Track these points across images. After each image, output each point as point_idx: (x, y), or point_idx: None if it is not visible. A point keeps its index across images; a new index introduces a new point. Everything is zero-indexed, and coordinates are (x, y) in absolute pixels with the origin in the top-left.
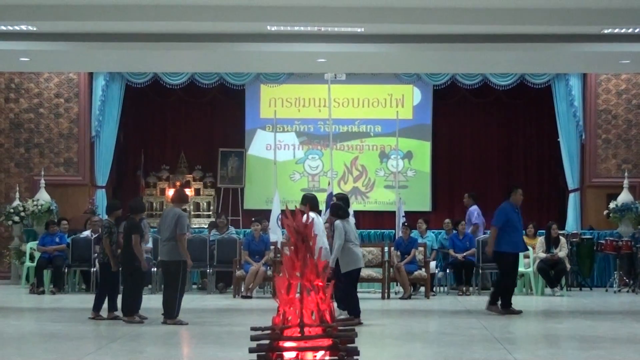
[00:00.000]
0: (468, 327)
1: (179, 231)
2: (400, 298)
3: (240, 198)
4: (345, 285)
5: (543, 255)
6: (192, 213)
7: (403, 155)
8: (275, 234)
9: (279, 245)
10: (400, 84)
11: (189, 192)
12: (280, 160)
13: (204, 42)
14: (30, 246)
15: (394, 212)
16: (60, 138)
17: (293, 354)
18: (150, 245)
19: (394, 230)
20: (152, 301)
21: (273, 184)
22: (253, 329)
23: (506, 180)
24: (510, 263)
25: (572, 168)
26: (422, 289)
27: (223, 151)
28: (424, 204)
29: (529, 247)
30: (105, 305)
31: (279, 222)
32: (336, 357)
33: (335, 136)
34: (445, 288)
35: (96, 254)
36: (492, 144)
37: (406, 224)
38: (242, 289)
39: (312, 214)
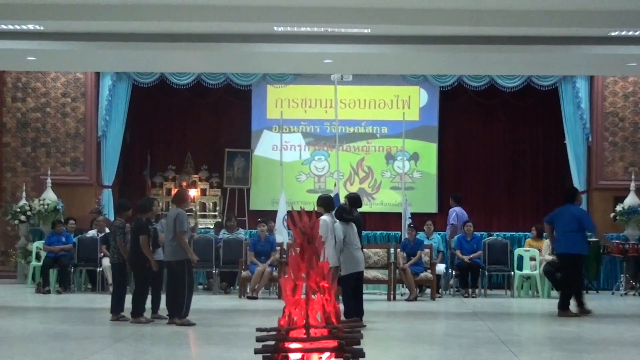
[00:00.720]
0: (474, 330)
1: (178, 229)
2: (406, 300)
3: (247, 199)
4: (342, 290)
5: (549, 257)
6: (199, 213)
7: (409, 156)
8: (281, 235)
9: (284, 246)
10: (406, 85)
11: (194, 192)
12: (287, 161)
13: (210, 43)
14: (36, 245)
15: (400, 214)
16: (67, 137)
17: (299, 355)
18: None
19: (399, 232)
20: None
21: (279, 185)
22: (259, 329)
23: (512, 182)
24: (581, 265)
25: (579, 170)
26: (428, 290)
27: (229, 151)
28: (430, 206)
29: (536, 250)
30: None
31: (285, 223)
32: (342, 359)
33: (341, 137)
34: (451, 290)
35: (102, 254)
36: (498, 146)
37: (411, 225)
38: (248, 289)
39: (326, 216)
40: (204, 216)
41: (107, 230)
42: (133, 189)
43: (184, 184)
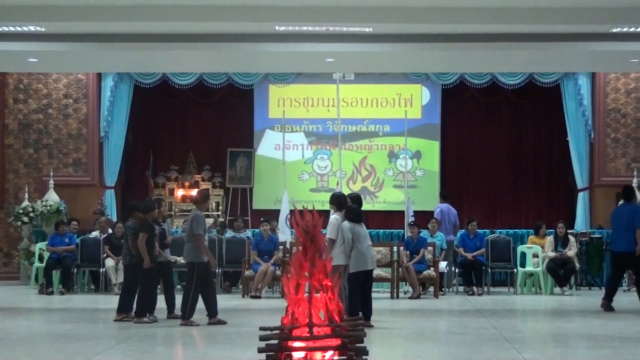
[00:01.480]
0: (477, 327)
1: (195, 231)
2: (410, 298)
3: (249, 198)
4: (350, 287)
5: (552, 254)
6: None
7: (412, 154)
8: (284, 234)
9: (287, 245)
10: (408, 83)
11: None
12: (289, 160)
13: (212, 43)
14: (39, 247)
15: (402, 212)
16: (69, 139)
17: (302, 354)
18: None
19: (402, 230)
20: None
21: (282, 184)
22: (262, 329)
23: (515, 179)
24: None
25: (581, 167)
26: (431, 288)
27: (232, 151)
28: (433, 204)
29: (539, 247)
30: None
31: (288, 222)
32: (345, 357)
33: (343, 136)
34: (455, 288)
35: (105, 255)
36: (500, 144)
37: (412, 223)
38: (251, 289)
39: (337, 215)
40: (207, 216)
41: (109, 231)
42: (136, 190)
43: (187, 184)
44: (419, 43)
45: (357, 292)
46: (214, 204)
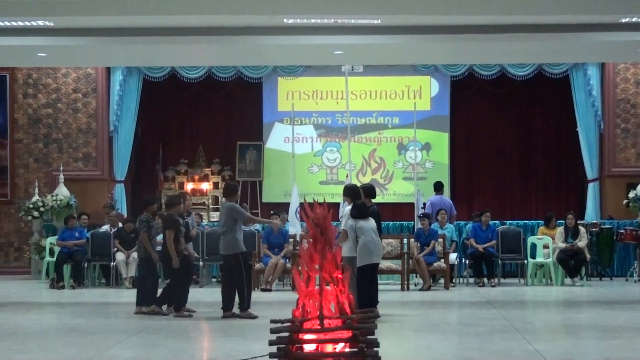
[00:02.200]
0: (488, 318)
1: (241, 217)
2: (420, 289)
3: (259, 191)
4: (357, 281)
5: (562, 245)
6: (211, 206)
7: (421, 146)
8: (294, 227)
9: (297, 238)
10: (417, 75)
11: (207, 185)
12: (299, 153)
13: (221, 36)
14: (49, 241)
15: (412, 204)
16: (79, 133)
17: (313, 346)
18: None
19: (412, 222)
20: (199, 295)
21: (291, 177)
22: (273, 321)
23: (525, 170)
24: None
25: (591, 158)
26: (442, 280)
27: (241, 144)
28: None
29: (549, 238)
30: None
31: (298, 215)
32: (356, 349)
33: (353, 128)
34: (465, 279)
35: (115, 249)
36: (510, 135)
37: (422, 215)
38: (262, 281)
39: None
40: (217, 209)
41: (120, 225)
42: (145, 184)
43: (197, 177)
44: (427, 35)
45: (367, 286)
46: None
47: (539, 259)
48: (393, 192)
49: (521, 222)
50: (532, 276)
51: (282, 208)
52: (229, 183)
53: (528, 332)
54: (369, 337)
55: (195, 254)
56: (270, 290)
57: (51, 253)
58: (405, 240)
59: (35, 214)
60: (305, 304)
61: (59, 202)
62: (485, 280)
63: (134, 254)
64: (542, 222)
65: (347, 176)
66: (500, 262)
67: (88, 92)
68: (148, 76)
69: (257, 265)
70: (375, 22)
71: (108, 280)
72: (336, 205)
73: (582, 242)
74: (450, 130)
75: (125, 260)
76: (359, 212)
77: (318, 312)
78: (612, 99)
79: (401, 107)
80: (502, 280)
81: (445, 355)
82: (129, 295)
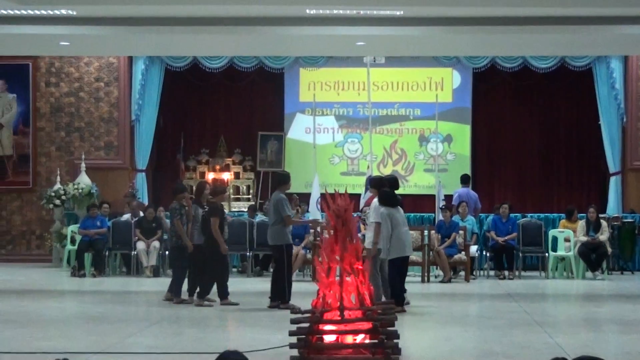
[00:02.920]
0: (508, 311)
1: (283, 213)
2: (440, 282)
3: None
4: (389, 273)
5: (584, 238)
6: (232, 196)
7: (442, 138)
8: (315, 218)
9: (318, 229)
10: (439, 67)
11: (228, 175)
12: (320, 144)
13: (243, 26)
14: (71, 229)
15: (433, 196)
16: (101, 122)
17: (333, 337)
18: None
19: (433, 214)
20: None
21: (312, 168)
22: (293, 312)
23: (547, 163)
24: None
25: (614, 151)
26: (462, 272)
27: (262, 135)
28: None
29: (570, 231)
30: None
31: (319, 206)
32: (376, 340)
33: (374, 119)
34: (486, 272)
35: (136, 238)
36: (532, 127)
37: (444, 207)
38: None
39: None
40: (238, 199)
41: (141, 214)
42: (167, 173)
43: (217, 167)
44: (450, 26)
45: (398, 278)
46: (244, 187)
47: (560, 252)
48: (414, 183)
49: (542, 215)
50: (553, 269)
51: (302, 199)
52: (279, 172)
53: (548, 325)
54: (389, 328)
55: None
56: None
57: (72, 241)
58: (426, 232)
59: (57, 202)
60: (325, 294)
61: (80, 190)
62: (506, 273)
63: (155, 243)
64: (563, 215)
65: (368, 167)
66: (521, 254)
67: (110, 81)
68: (170, 66)
69: None
70: (398, 13)
71: (129, 269)
72: (357, 197)
73: (603, 235)
74: (472, 122)
75: (146, 249)
76: (390, 200)
77: (338, 303)
78: (635, 92)
79: (423, 98)
80: (523, 273)
81: (465, 347)
82: (150, 284)
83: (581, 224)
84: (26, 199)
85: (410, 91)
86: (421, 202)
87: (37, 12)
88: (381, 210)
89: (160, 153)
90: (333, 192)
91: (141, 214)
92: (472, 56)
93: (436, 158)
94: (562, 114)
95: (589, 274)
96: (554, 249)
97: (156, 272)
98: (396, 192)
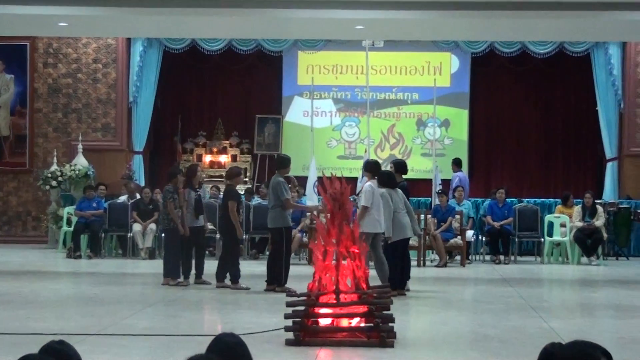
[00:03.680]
0: (504, 296)
1: (282, 196)
2: (436, 266)
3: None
4: (390, 256)
5: (580, 224)
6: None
7: (440, 123)
8: (312, 201)
9: (315, 212)
10: (438, 51)
11: (225, 158)
12: (317, 127)
13: (242, 8)
14: (67, 211)
15: (430, 180)
16: (98, 103)
17: (328, 320)
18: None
19: (430, 199)
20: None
21: (310, 151)
22: (289, 295)
23: (544, 148)
24: None
25: (610, 137)
26: (458, 257)
27: (260, 117)
28: None
29: (566, 216)
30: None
31: (316, 189)
32: (371, 324)
33: (372, 103)
34: (482, 256)
35: (132, 220)
36: (530, 113)
37: (440, 191)
38: None
39: (371, 182)
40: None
41: (137, 196)
42: (164, 155)
43: (215, 150)
44: (449, 11)
45: (399, 262)
46: (242, 170)
47: (556, 238)
48: (411, 168)
49: (539, 200)
50: (549, 254)
51: (300, 182)
52: (280, 155)
53: (543, 310)
54: (384, 312)
55: (210, 225)
56: None
57: (69, 223)
58: (422, 217)
59: (54, 183)
60: (321, 278)
61: (77, 172)
62: (502, 257)
63: (151, 225)
64: (559, 200)
65: (365, 151)
66: (516, 239)
67: (108, 62)
68: (168, 48)
69: None
70: None
71: (125, 250)
72: (354, 180)
73: (599, 221)
74: (470, 107)
75: (142, 231)
76: (389, 180)
77: (334, 287)
78: (633, 78)
79: (421, 83)
80: (519, 258)
81: (460, 331)
82: (146, 266)
83: (577, 210)
84: (23, 180)
85: (409, 75)
86: (418, 187)
87: None
88: (381, 191)
89: (158, 135)
90: (330, 175)
91: (138, 196)
92: (471, 41)
93: (433, 142)
94: (559, 100)
95: (584, 259)
96: (550, 234)
97: (152, 254)
98: (403, 176)
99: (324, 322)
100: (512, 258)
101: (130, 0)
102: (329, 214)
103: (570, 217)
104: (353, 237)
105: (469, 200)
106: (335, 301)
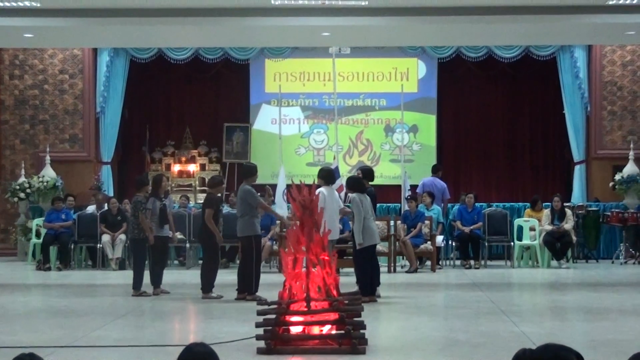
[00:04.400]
0: (474, 300)
1: (253, 203)
2: (407, 272)
3: None
4: (358, 261)
5: (549, 227)
6: (198, 188)
7: (408, 129)
8: (281, 209)
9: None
10: (404, 57)
11: (194, 167)
12: (286, 135)
13: (208, 17)
14: (36, 223)
15: (399, 186)
16: (65, 114)
17: (299, 328)
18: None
19: (399, 204)
20: (185, 276)
21: (278, 159)
22: (259, 303)
23: (512, 153)
24: None
25: (578, 140)
26: (428, 262)
27: (228, 126)
28: None
29: (535, 220)
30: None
31: (285, 197)
32: (343, 331)
33: (340, 110)
34: (452, 261)
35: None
36: (497, 117)
37: (409, 197)
38: None
39: (322, 189)
40: (204, 191)
41: (105, 206)
42: (132, 165)
43: (184, 159)
44: (414, 16)
45: (369, 267)
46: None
47: (526, 241)
48: (380, 174)
49: (508, 205)
50: (519, 258)
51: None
52: (246, 164)
53: (514, 314)
54: (355, 319)
55: (179, 235)
56: None
57: (37, 235)
58: (392, 222)
59: (22, 195)
60: (292, 286)
61: (45, 183)
62: (472, 262)
63: (121, 236)
64: (528, 204)
65: (334, 158)
66: (486, 244)
67: (75, 73)
68: (135, 57)
69: None
70: (363, 3)
71: (94, 261)
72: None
73: (568, 224)
74: (438, 112)
75: (112, 242)
76: (358, 185)
77: (305, 294)
78: (599, 81)
79: (388, 89)
80: (489, 262)
81: (431, 336)
82: (116, 276)
83: (546, 213)
84: None
85: (376, 81)
86: (387, 193)
87: (1, 4)
88: (352, 196)
89: (126, 145)
90: (299, 183)
91: (106, 206)
92: (437, 46)
93: (402, 148)
94: (526, 104)
95: (554, 262)
96: (520, 238)
97: (122, 265)
98: (371, 183)
99: (295, 330)
100: (482, 262)
101: (96, 11)
102: (298, 222)
103: (539, 220)
104: (322, 245)
105: (439, 206)
106: (306, 309)
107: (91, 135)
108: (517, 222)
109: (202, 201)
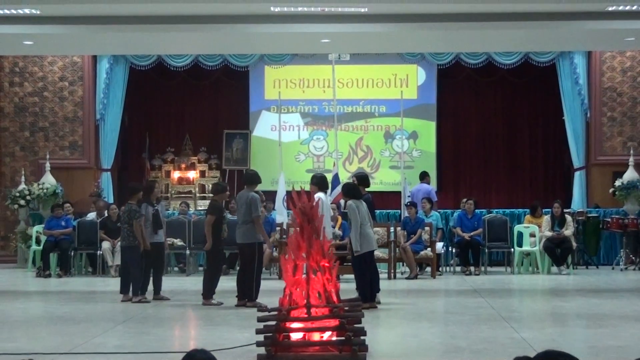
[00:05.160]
0: (475, 307)
1: (254, 214)
2: (407, 278)
3: None
4: (356, 268)
5: (549, 233)
6: (198, 195)
7: (408, 135)
8: (281, 215)
9: (284, 227)
10: (404, 63)
11: (194, 174)
12: (285, 141)
13: (207, 24)
14: (36, 230)
15: (399, 193)
16: (65, 121)
17: (300, 334)
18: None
19: (399, 211)
20: (185, 283)
21: (278, 165)
22: (260, 310)
23: (511, 158)
24: None
25: (578, 146)
26: (428, 268)
27: (228, 133)
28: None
29: (535, 226)
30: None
31: (285, 203)
32: (343, 338)
33: (339, 117)
34: (452, 268)
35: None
36: (497, 123)
37: (409, 203)
38: None
39: (320, 194)
40: (204, 198)
41: (105, 213)
42: (132, 172)
43: (183, 165)
44: (414, 23)
45: (367, 274)
46: (210, 185)
47: (526, 248)
48: (380, 180)
49: (507, 211)
50: (519, 265)
51: (269, 197)
52: (250, 172)
53: (514, 320)
54: (355, 325)
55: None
56: None
57: (38, 242)
58: (392, 229)
59: (22, 202)
60: (292, 292)
61: (45, 190)
62: (472, 268)
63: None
64: (528, 210)
65: (334, 164)
66: (486, 250)
67: (74, 80)
68: (134, 64)
69: None
70: (363, 10)
71: (94, 268)
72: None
73: (568, 230)
74: (437, 118)
75: (112, 249)
76: (354, 191)
77: (305, 301)
78: (599, 87)
79: (388, 95)
80: (489, 268)
81: (432, 343)
82: (115, 283)
83: (546, 219)
84: None
85: (375, 88)
86: (387, 199)
87: (0, 11)
88: (349, 202)
89: (126, 152)
90: (299, 189)
91: (106, 213)
92: (437, 53)
93: (402, 155)
94: (526, 110)
95: (554, 269)
96: (520, 245)
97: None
98: (369, 190)
99: (295, 336)
100: (483, 269)
101: (96, 18)
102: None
103: (540, 226)
104: (323, 251)
105: (438, 212)
106: (306, 315)
107: (91, 142)
108: (517, 228)
109: (201, 208)
